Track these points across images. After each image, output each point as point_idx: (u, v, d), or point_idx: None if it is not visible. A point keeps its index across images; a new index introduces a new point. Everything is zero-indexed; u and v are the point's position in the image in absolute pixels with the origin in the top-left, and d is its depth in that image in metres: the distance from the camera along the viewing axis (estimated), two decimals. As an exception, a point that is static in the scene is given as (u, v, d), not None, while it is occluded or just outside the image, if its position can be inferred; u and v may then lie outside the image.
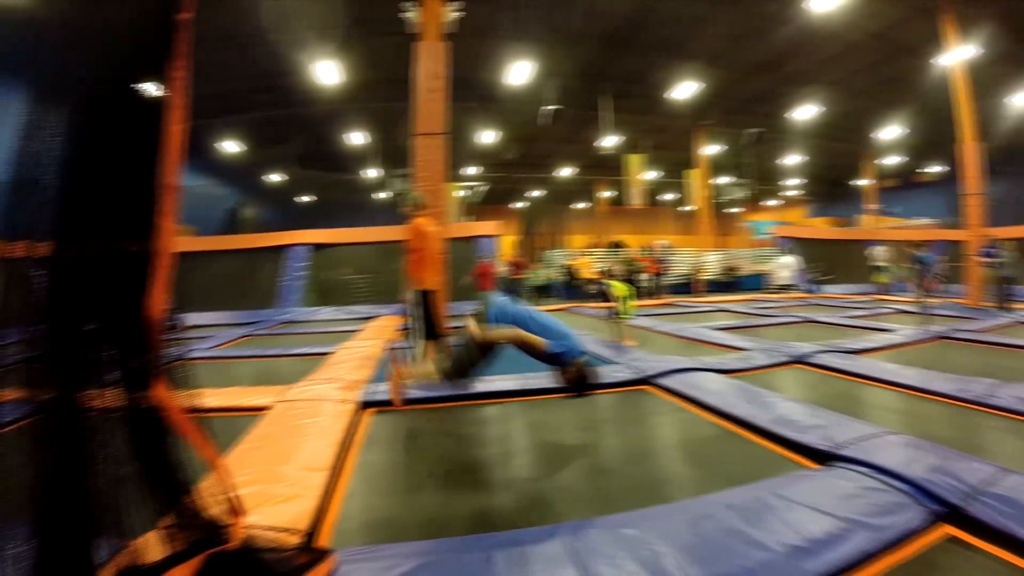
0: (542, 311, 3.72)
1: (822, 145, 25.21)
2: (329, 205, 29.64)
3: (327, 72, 14.94)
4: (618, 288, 8.03)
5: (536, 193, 35.43)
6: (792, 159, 28.50)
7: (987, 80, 15.50)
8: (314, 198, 31.27)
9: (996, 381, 4.61)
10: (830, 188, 35.24)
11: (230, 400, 4.70)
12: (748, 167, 26.32)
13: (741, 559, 2.06)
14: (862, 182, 28.68)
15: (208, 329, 12.14)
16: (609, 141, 21.17)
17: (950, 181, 18.30)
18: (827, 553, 2.09)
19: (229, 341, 10.03)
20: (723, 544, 2.17)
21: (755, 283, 21.77)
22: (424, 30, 7.76)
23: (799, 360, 6.06)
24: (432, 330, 5.91)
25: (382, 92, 17.16)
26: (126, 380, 1.86)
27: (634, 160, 23.71)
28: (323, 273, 15.84)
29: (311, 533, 2.39)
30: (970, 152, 13.22)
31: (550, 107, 17.13)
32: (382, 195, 28.83)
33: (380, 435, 4.13)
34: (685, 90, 17.96)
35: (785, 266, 12.83)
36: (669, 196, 35.57)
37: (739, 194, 27.90)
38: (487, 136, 22.49)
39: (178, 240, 1.87)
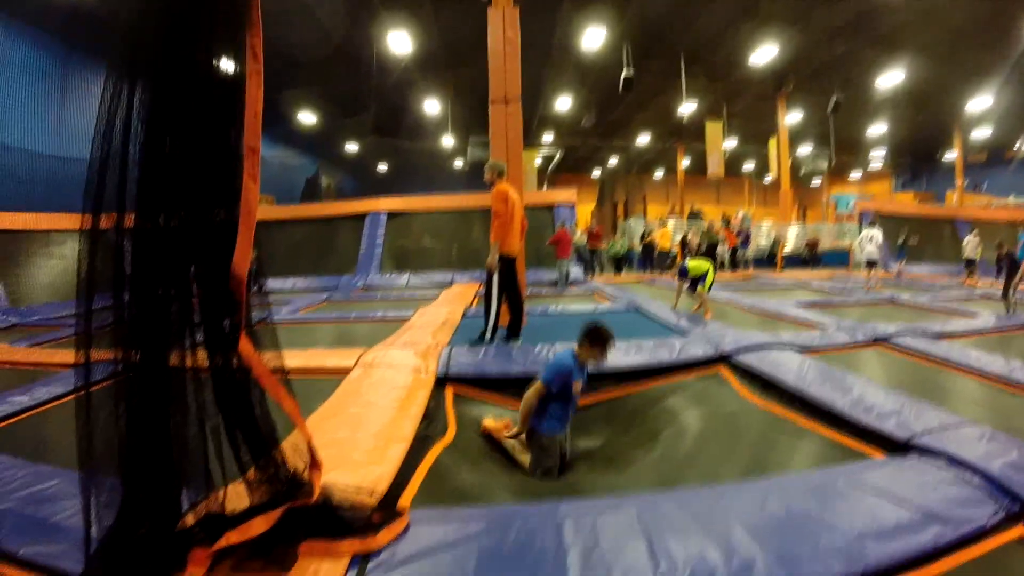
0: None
1: (907, 115, 23.69)
2: (406, 173, 30.12)
3: (400, 41, 15.00)
4: (698, 266, 7.98)
5: (614, 161, 34.87)
6: (876, 129, 27.00)
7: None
8: (391, 167, 31.82)
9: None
10: (915, 161, 33.29)
11: (311, 361, 4.84)
12: (830, 136, 25.00)
13: (810, 542, 2.00)
14: (950, 155, 26.85)
15: (290, 294, 12.63)
16: (687, 108, 20.53)
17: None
18: (896, 543, 2.00)
19: (310, 306, 10.38)
20: (792, 526, 2.11)
21: (837, 259, 20.83)
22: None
23: (879, 340, 5.75)
24: (515, 295, 5.94)
25: (455, 59, 17.17)
26: (214, 339, 1.94)
27: (713, 127, 22.94)
28: (400, 240, 16.11)
29: (387, 496, 2.46)
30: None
31: (626, 72, 16.73)
32: (458, 163, 29.05)
33: (458, 408, 4.15)
34: (764, 54, 17.18)
35: (870, 240, 12.12)
36: (748, 166, 34.30)
37: (820, 165, 26.60)
38: (563, 103, 22.20)
39: (260, 207, 1.93)
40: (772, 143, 23.61)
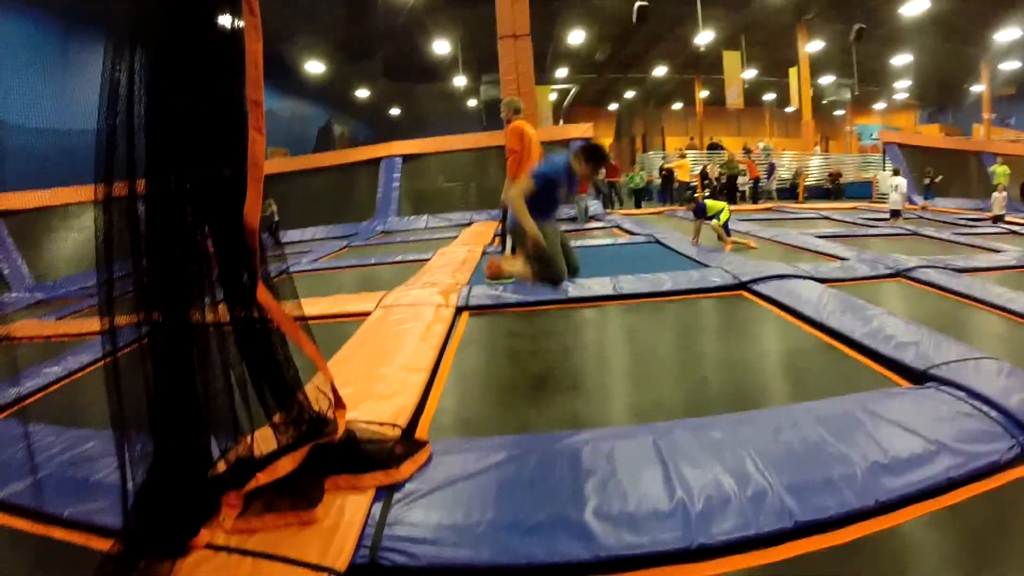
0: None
1: (933, 45, 22.63)
2: (419, 116, 29.73)
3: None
4: (714, 205, 8.04)
5: (630, 94, 34.01)
6: (901, 59, 25.88)
7: None
8: (404, 111, 31.41)
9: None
10: (941, 93, 31.94)
11: (332, 308, 4.94)
12: (853, 67, 24.03)
13: (823, 470, 2.03)
14: (977, 88, 25.71)
15: (309, 244, 12.70)
16: (704, 38, 19.81)
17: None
18: (910, 473, 2.03)
19: (329, 254, 10.45)
20: (806, 454, 2.14)
21: (860, 191, 20.29)
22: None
23: (901, 273, 5.67)
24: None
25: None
26: (233, 291, 2.00)
27: (731, 57, 22.17)
28: (417, 183, 16.01)
29: (409, 427, 2.54)
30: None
31: (641, 1, 16.13)
32: (471, 103, 28.58)
33: (476, 337, 4.28)
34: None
35: (895, 188, 11.68)
36: (769, 97, 33.25)
37: (844, 95, 25.66)
38: (576, 36, 21.57)
39: (276, 160, 1.94)
40: (792, 73, 22.81)
